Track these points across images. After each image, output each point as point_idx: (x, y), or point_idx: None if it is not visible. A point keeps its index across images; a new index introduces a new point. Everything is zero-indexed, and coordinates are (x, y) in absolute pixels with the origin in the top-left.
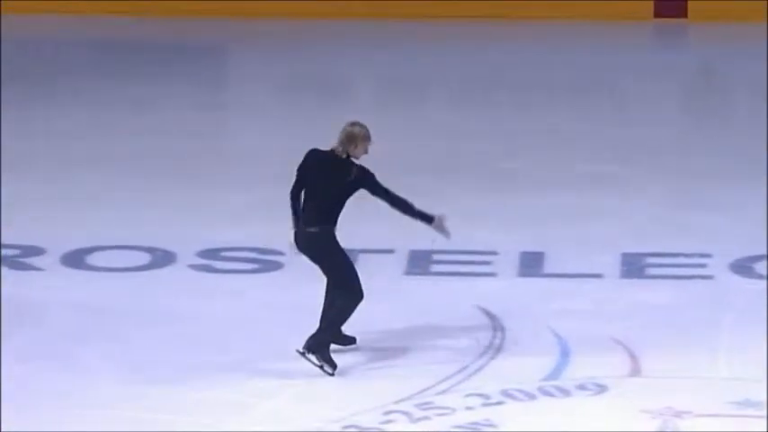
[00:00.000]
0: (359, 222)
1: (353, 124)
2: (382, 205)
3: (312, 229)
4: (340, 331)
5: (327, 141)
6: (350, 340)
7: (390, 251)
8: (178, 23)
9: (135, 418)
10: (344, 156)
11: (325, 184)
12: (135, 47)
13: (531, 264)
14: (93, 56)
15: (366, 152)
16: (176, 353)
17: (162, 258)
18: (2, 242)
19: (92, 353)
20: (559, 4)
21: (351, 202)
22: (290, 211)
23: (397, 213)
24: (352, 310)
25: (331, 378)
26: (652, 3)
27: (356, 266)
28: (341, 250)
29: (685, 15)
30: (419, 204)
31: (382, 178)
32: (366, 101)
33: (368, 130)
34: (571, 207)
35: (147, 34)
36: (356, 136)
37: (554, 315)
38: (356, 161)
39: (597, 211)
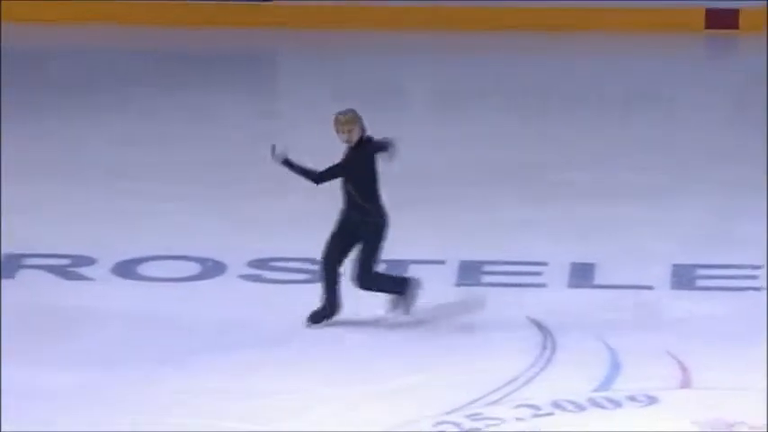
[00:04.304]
0: (409, 232)
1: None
2: (432, 216)
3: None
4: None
5: None
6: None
7: (441, 262)
8: (229, 33)
9: (184, 424)
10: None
11: None
12: (190, 57)
13: (582, 275)
14: (148, 66)
15: (342, 138)
16: (226, 361)
17: (212, 269)
18: (54, 252)
19: (143, 360)
20: (611, 15)
21: (402, 213)
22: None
23: (447, 224)
24: None
25: (381, 387)
26: (704, 13)
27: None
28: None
29: (737, 27)
30: (468, 216)
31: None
32: (420, 110)
33: (337, 116)
34: (622, 218)
35: (200, 44)
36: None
37: (604, 326)
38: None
39: (648, 221)
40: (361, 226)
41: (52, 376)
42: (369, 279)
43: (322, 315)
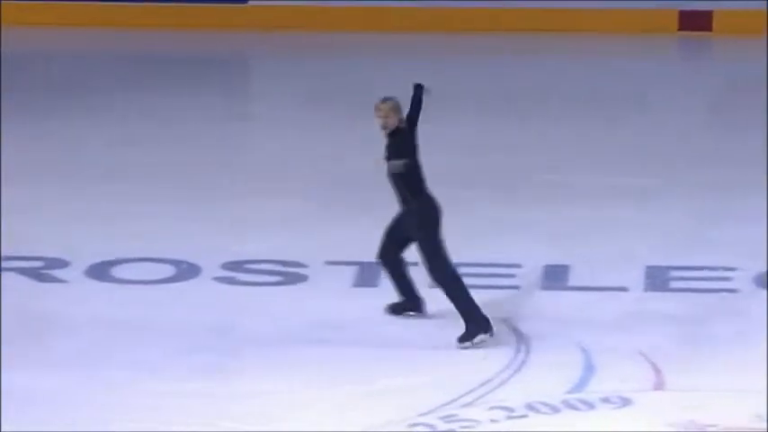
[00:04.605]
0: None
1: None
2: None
3: None
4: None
5: (352, 153)
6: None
7: (415, 264)
8: (200, 36)
9: (169, 426)
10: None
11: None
12: (158, 60)
13: (556, 277)
14: (117, 69)
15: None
16: (204, 365)
17: (187, 271)
18: (27, 255)
19: (119, 363)
20: (585, 17)
21: (376, 216)
22: None
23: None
24: None
25: (356, 389)
26: (677, 15)
27: (380, 280)
28: None
29: (710, 29)
30: (443, 219)
31: None
32: None
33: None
34: (596, 219)
35: (171, 47)
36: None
37: (578, 328)
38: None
39: (622, 223)
40: (403, 218)
41: (30, 380)
42: (433, 276)
43: (402, 308)
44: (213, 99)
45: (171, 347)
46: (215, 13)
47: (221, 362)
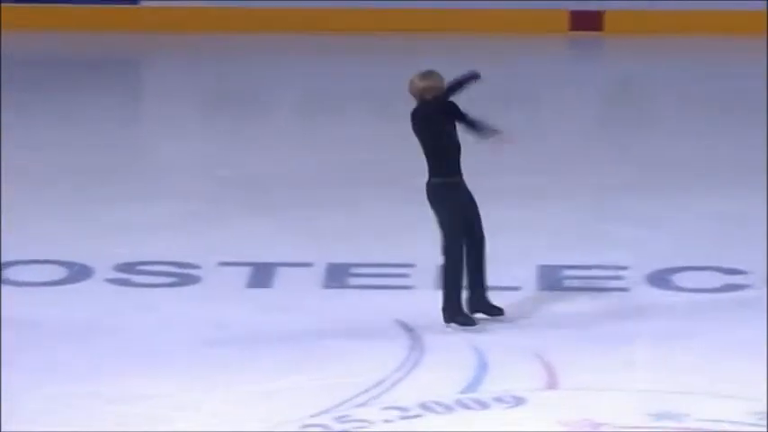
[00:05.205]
0: (277, 235)
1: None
2: (300, 218)
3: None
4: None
5: (245, 154)
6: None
7: (309, 264)
8: (91, 38)
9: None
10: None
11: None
12: (49, 62)
13: None
14: (6, 71)
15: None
16: (94, 367)
17: (79, 273)
18: None
19: (9, 366)
20: (474, 17)
21: (270, 216)
22: None
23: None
24: None
25: (248, 390)
26: (568, 15)
27: (274, 281)
28: None
29: (601, 29)
30: (336, 219)
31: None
32: (288, 113)
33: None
34: (489, 219)
35: (63, 49)
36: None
37: (472, 328)
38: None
39: (514, 223)
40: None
41: None
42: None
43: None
44: (105, 101)
45: (61, 349)
46: (106, 14)
47: (111, 363)
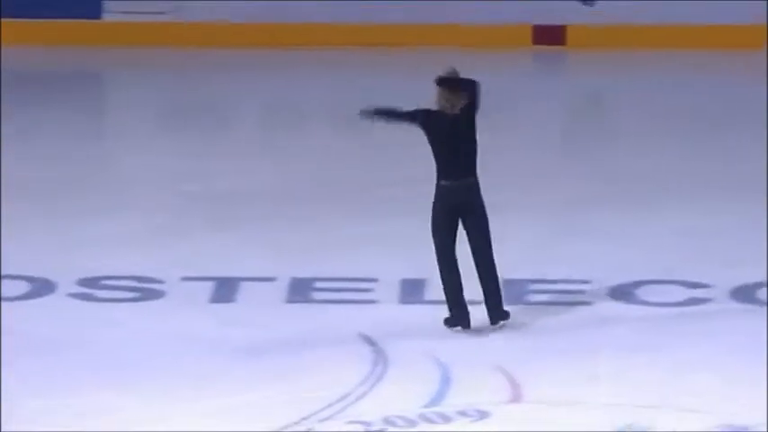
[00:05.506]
0: (240, 249)
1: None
2: (263, 233)
3: (471, 179)
4: None
5: (208, 169)
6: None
7: (272, 279)
8: (52, 51)
9: None
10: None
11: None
12: (9, 75)
13: (413, 291)
14: None
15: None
16: (59, 382)
17: (42, 287)
18: None
19: None
20: (436, 32)
21: (233, 230)
22: None
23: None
24: None
25: (212, 404)
26: (531, 30)
27: (237, 295)
28: None
29: (564, 43)
30: (299, 233)
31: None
32: (249, 128)
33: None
34: None
35: (23, 62)
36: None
37: (436, 342)
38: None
39: None
40: None
41: None
42: None
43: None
44: (67, 115)
45: (25, 364)
46: (69, 28)
47: (75, 378)
